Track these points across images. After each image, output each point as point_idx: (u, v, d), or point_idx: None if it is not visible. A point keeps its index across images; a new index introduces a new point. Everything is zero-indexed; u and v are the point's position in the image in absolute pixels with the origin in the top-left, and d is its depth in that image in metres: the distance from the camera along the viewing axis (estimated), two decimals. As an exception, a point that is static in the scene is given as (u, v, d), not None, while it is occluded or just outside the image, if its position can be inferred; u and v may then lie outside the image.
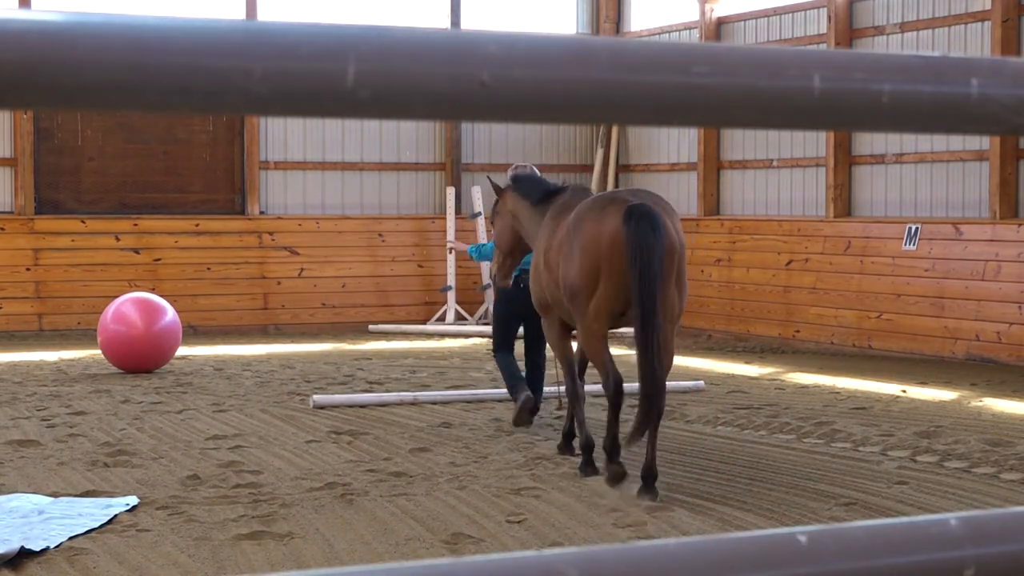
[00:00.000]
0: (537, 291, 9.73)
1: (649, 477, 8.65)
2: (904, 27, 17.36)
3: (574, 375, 9.81)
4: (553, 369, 10.89)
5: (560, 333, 9.78)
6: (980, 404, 12.66)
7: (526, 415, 10.98)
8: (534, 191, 10.20)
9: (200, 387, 13.81)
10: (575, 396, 9.84)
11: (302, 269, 20.27)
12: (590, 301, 8.85)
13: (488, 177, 12.00)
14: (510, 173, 11.10)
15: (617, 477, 8.88)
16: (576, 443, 9.82)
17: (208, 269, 19.99)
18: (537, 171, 11.02)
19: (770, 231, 18.87)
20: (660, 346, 8.47)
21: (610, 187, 21.37)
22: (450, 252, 13.81)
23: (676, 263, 8.81)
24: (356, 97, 1.43)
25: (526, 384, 11.16)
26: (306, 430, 11.17)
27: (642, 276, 8.46)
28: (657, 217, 8.65)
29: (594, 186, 21.41)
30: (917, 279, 16.62)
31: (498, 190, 10.76)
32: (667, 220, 8.80)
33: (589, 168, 21.95)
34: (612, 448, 8.94)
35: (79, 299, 19.29)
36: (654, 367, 8.44)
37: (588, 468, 9.29)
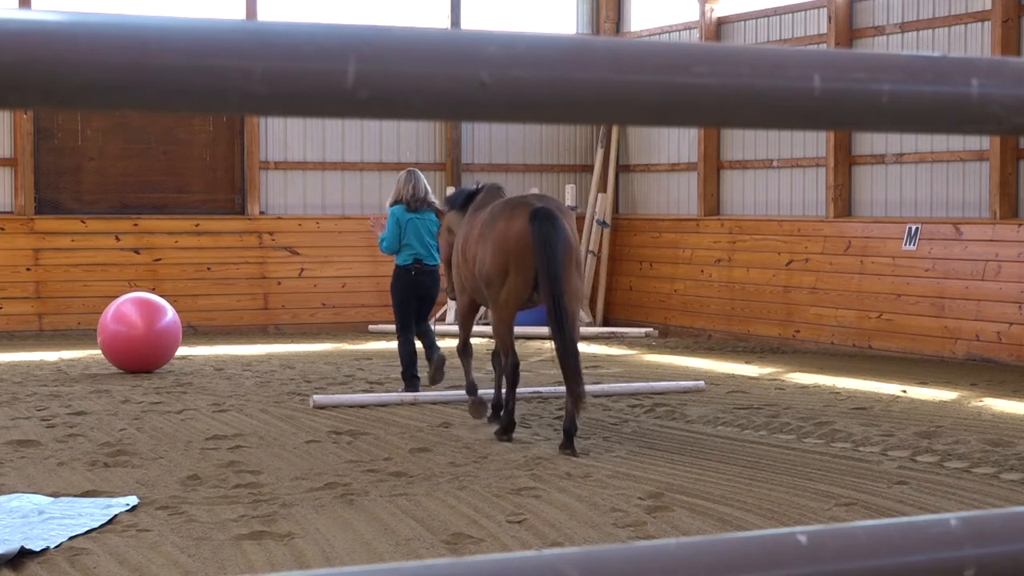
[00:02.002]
0: (456, 277, 11.47)
1: (571, 431, 10.22)
2: (904, 27, 17.36)
3: (467, 340, 11.81)
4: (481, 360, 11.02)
5: (468, 309, 11.63)
6: (980, 404, 12.66)
7: (440, 375, 13.06)
8: (458, 199, 11.82)
9: (200, 387, 13.81)
10: (464, 353, 11.81)
11: (302, 269, 20.27)
12: (501, 290, 10.51)
13: (433, 204, 13.22)
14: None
15: (505, 431, 10.71)
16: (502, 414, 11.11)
17: (208, 269, 19.99)
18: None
19: (770, 231, 18.87)
20: (571, 323, 10.14)
21: (610, 188, 21.38)
22: (372, 228, 13.70)
23: (573, 256, 10.39)
24: (356, 97, 1.43)
25: (417, 381, 13.11)
26: (306, 430, 11.17)
27: (549, 267, 10.07)
28: (557, 218, 10.28)
29: (593, 187, 21.43)
30: (917, 279, 16.62)
31: (439, 214, 12.65)
32: (564, 221, 10.41)
33: (589, 168, 21.95)
34: (508, 423, 10.75)
35: (79, 299, 19.30)
36: (567, 340, 10.06)
37: (477, 403, 11.39)
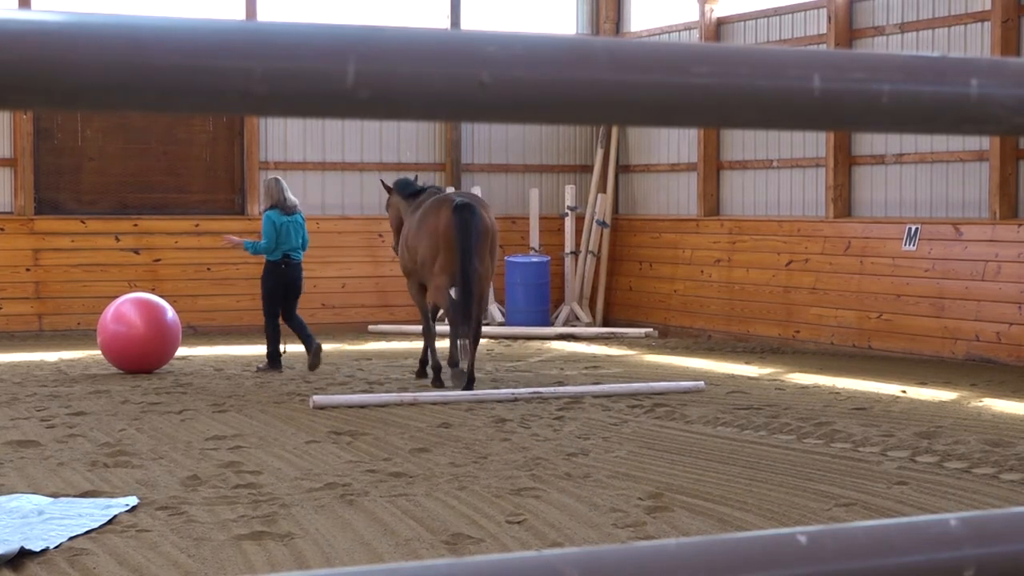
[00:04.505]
0: (403, 262, 14.15)
1: (470, 380, 13.21)
2: (904, 27, 17.36)
3: (427, 318, 14.10)
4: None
5: (418, 290, 14.14)
6: (980, 404, 12.67)
7: (318, 361, 14.96)
8: (405, 189, 14.51)
9: (200, 387, 13.82)
10: (428, 334, 14.13)
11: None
12: (434, 265, 13.31)
13: (380, 180, 16.09)
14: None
15: (457, 379, 13.36)
16: (429, 369, 14.01)
17: (208, 269, 20.00)
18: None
19: (770, 231, 18.87)
20: (476, 293, 13.13)
21: (610, 188, 21.39)
22: (229, 245, 15.01)
23: (488, 241, 13.38)
24: (356, 97, 1.43)
25: (280, 362, 15.15)
26: (306, 430, 11.17)
27: (463, 248, 12.97)
28: (475, 209, 13.24)
29: (593, 187, 21.43)
30: (917, 279, 16.62)
31: (388, 190, 14.96)
32: (483, 212, 13.42)
33: (589, 168, 21.96)
34: (451, 360, 13.55)
35: (79, 299, 19.30)
36: (470, 308, 13.07)
37: (437, 382, 13.67)
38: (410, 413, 12.09)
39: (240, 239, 15.48)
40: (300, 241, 14.97)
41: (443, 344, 14.42)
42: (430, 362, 13.93)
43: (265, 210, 15.00)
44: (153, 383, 14.04)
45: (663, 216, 20.97)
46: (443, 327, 14.68)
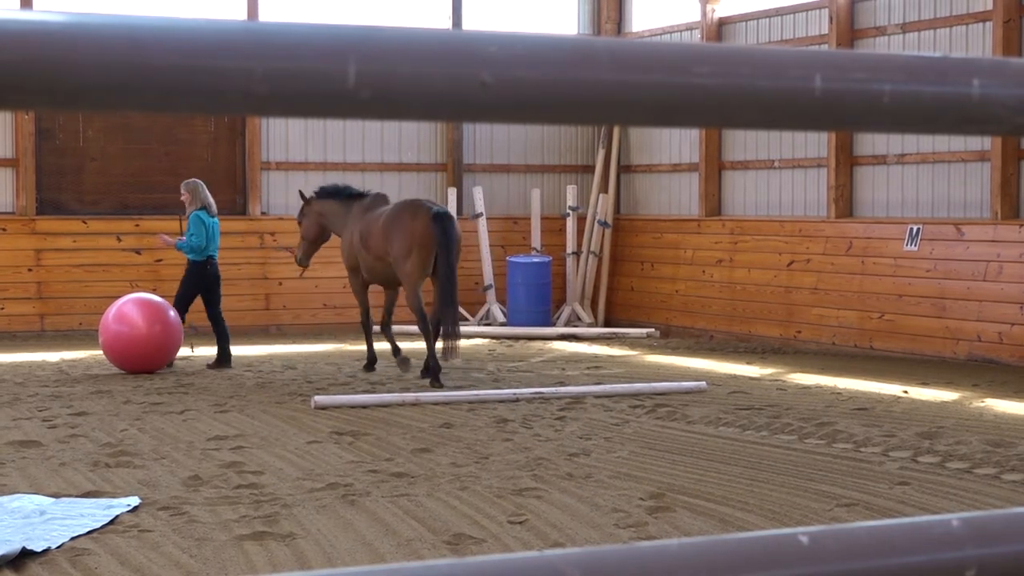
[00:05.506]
0: (350, 257, 15.14)
1: (427, 370, 14.36)
2: (905, 27, 17.36)
3: (367, 312, 15.32)
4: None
5: (361, 286, 15.30)
6: (982, 405, 12.66)
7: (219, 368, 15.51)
8: (340, 192, 15.48)
9: (201, 388, 13.82)
10: (368, 327, 15.34)
11: (303, 270, 20.27)
12: (407, 263, 14.27)
13: (299, 191, 16.64)
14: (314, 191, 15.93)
15: (404, 366, 14.86)
16: (367, 359, 15.38)
17: (210, 270, 19.98)
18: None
19: (771, 231, 18.87)
20: (455, 296, 14.27)
21: (611, 188, 21.39)
22: (167, 244, 15.51)
23: (459, 248, 14.58)
24: (357, 98, 1.43)
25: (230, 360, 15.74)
26: (308, 431, 11.17)
27: (447, 255, 14.16)
28: (453, 219, 14.56)
29: (595, 187, 21.43)
30: (919, 280, 16.62)
31: (305, 199, 15.91)
32: (456, 222, 14.68)
33: (590, 169, 21.96)
34: (429, 360, 14.42)
35: (81, 299, 19.31)
36: (454, 308, 14.21)
37: (370, 368, 15.32)
38: (412, 413, 12.09)
39: (174, 239, 15.85)
40: (217, 243, 15.76)
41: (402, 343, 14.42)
42: (368, 354, 15.32)
43: (196, 210, 15.51)
44: (155, 383, 14.05)
45: (665, 216, 20.97)
46: (407, 326, 14.79)
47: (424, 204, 14.67)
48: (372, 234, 14.64)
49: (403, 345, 15.70)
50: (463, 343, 18.61)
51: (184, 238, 15.54)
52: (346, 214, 15.23)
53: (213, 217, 15.60)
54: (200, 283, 15.57)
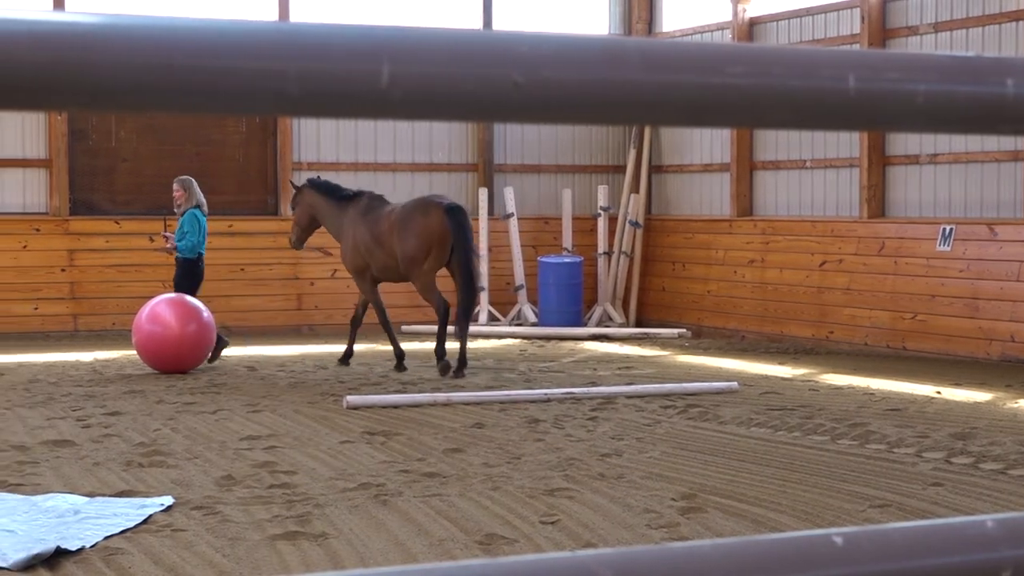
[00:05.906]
0: (356, 260, 15.23)
1: (462, 365, 14.66)
2: (938, 27, 17.28)
3: (384, 311, 15.34)
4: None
5: (372, 285, 15.36)
6: (1015, 405, 12.60)
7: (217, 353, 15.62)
8: (332, 193, 15.69)
9: (234, 387, 13.86)
10: (388, 326, 15.34)
11: (335, 270, 20.29)
12: (425, 263, 14.60)
13: (291, 181, 17.34)
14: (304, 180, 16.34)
15: (444, 369, 14.65)
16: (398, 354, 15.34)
17: (242, 270, 20.06)
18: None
19: (803, 232, 18.82)
20: (475, 287, 14.78)
21: (643, 188, 21.37)
22: (169, 248, 15.37)
23: (474, 238, 14.74)
24: (390, 98, 1.43)
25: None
26: (340, 430, 11.19)
27: (465, 249, 14.47)
28: (465, 212, 14.81)
29: (626, 187, 21.41)
30: (951, 280, 16.55)
31: (296, 188, 16.27)
32: (468, 214, 14.97)
33: (622, 169, 21.93)
34: (440, 351, 14.75)
35: (113, 299, 19.39)
36: (472, 298, 14.74)
37: (400, 367, 15.11)
38: (443, 413, 12.10)
39: (168, 242, 15.78)
40: (205, 241, 15.83)
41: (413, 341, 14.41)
42: (395, 348, 15.28)
43: (189, 209, 15.45)
44: (187, 383, 14.09)
45: (696, 216, 20.93)
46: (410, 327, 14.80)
47: (434, 200, 14.87)
48: (383, 232, 14.89)
49: (406, 346, 15.77)
50: (493, 343, 18.69)
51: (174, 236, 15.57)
52: (340, 215, 15.45)
53: (204, 215, 15.67)
54: (193, 281, 15.58)
